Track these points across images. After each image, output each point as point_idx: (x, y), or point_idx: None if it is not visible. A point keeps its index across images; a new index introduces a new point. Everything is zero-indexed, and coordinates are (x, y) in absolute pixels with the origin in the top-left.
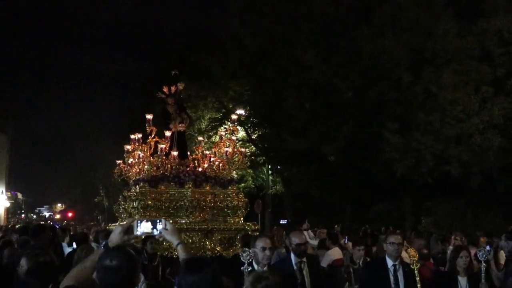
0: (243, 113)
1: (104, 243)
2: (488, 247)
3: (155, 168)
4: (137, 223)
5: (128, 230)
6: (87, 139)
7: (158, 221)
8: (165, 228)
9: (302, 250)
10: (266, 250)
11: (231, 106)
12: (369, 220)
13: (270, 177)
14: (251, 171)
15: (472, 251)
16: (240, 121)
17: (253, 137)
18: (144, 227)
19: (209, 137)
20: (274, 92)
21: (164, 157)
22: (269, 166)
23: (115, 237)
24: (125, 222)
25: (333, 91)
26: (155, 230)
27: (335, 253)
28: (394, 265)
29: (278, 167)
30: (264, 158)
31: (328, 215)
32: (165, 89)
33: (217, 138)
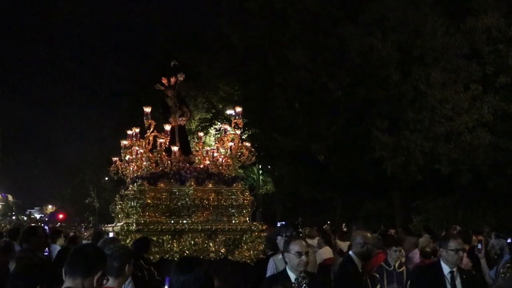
0: (233, 113)
1: None
2: (479, 245)
3: (154, 164)
4: None
5: None
6: (76, 140)
7: None
8: None
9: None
10: (303, 256)
11: (221, 106)
12: (360, 218)
13: (261, 177)
14: (242, 171)
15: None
16: (230, 122)
17: (243, 137)
18: None
19: (200, 138)
20: (262, 92)
21: (164, 153)
22: (260, 166)
23: None
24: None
25: (322, 90)
26: None
27: (326, 252)
28: (451, 272)
29: (269, 166)
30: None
31: (319, 214)
32: (164, 81)
33: (208, 138)
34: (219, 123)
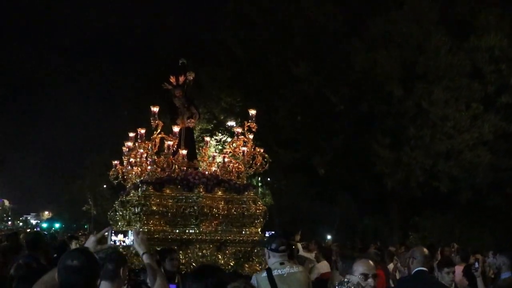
0: (234, 125)
1: None
2: (476, 264)
3: (159, 169)
4: (111, 232)
5: (102, 239)
6: (75, 147)
7: (130, 231)
8: (136, 235)
9: None
10: (369, 279)
11: (222, 118)
12: (358, 233)
13: (260, 189)
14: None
15: (461, 267)
16: (231, 133)
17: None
18: (117, 237)
19: (199, 149)
20: (264, 103)
21: (172, 157)
22: (259, 178)
23: (89, 246)
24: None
25: (324, 104)
26: (127, 239)
27: (323, 266)
28: None
29: (268, 179)
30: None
31: (317, 228)
32: (172, 79)
33: (208, 150)
34: (220, 134)
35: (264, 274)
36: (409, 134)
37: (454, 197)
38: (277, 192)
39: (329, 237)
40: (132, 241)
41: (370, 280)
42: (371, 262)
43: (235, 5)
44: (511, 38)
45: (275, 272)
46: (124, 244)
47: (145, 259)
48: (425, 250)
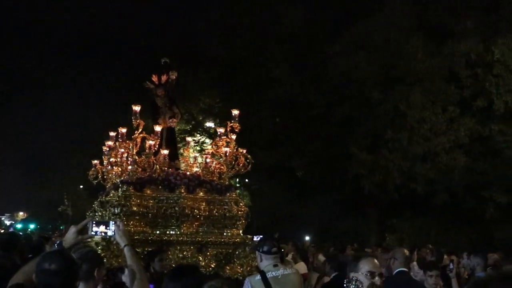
0: (213, 126)
1: (58, 242)
2: (451, 265)
3: (140, 169)
4: (92, 223)
5: (83, 230)
6: (51, 147)
7: (112, 222)
8: (118, 228)
9: None
10: (376, 277)
11: (201, 118)
12: (337, 235)
13: (238, 191)
14: None
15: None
16: (209, 134)
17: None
18: (98, 228)
19: (178, 148)
20: (244, 105)
21: (153, 157)
22: (237, 179)
23: (69, 237)
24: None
25: (304, 106)
26: (109, 231)
27: (300, 268)
28: None
29: (246, 180)
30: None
31: (295, 229)
32: (155, 78)
33: (189, 154)
34: (198, 135)
35: (258, 277)
36: (387, 137)
37: (431, 200)
38: (255, 194)
39: (307, 238)
40: (114, 232)
41: (377, 279)
42: (376, 261)
43: (217, 7)
44: (487, 43)
45: (269, 275)
46: (106, 235)
47: (126, 251)
48: (406, 251)
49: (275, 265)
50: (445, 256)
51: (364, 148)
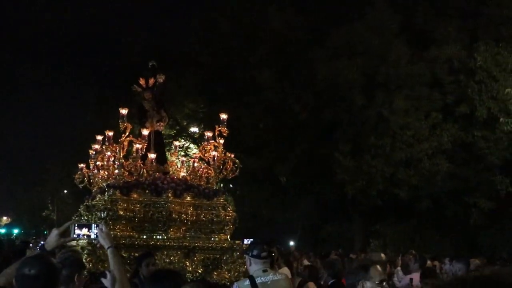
0: (197, 131)
1: (40, 245)
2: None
3: (127, 173)
4: (74, 226)
5: (65, 233)
6: (36, 151)
7: (94, 225)
8: (101, 230)
9: None
10: (385, 284)
11: (185, 123)
12: (321, 240)
13: (224, 196)
14: None
15: (419, 273)
16: (194, 139)
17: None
18: (80, 230)
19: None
20: (228, 110)
21: (140, 160)
22: (222, 185)
23: (51, 240)
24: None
25: (287, 112)
26: (91, 233)
27: (284, 272)
28: None
29: (231, 185)
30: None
31: (280, 235)
32: (142, 82)
33: (177, 158)
34: (182, 140)
35: (247, 282)
36: (370, 143)
37: (414, 205)
38: (239, 199)
39: (291, 243)
40: (96, 234)
41: (385, 284)
42: (381, 268)
43: (202, 12)
44: (470, 49)
45: (258, 280)
46: (89, 238)
47: (110, 253)
48: (383, 255)
49: (264, 270)
50: (429, 262)
51: (347, 154)
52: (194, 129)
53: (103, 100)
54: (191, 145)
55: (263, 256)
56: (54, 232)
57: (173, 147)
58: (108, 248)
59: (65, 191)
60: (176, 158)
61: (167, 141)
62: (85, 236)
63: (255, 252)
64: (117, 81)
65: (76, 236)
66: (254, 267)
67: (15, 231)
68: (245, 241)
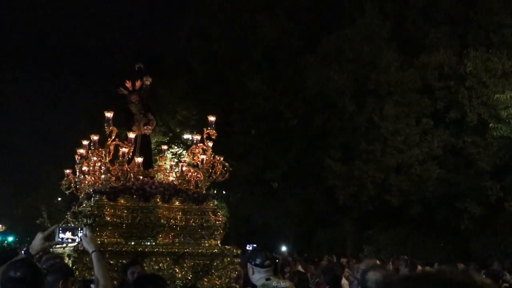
0: (190, 137)
1: (25, 249)
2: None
3: (113, 178)
4: (58, 230)
5: (49, 237)
6: (29, 158)
7: (79, 228)
8: (85, 235)
9: None
10: None
11: (178, 130)
12: (313, 246)
13: (216, 202)
14: None
15: None
16: (187, 146)
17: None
18: (64, 234)
19: (155, 160)
20: (220, 117)
21: (127, 165)
22: (215, 191)
23: (36, 244)
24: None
25: (278, 118)
26: (76, 237)
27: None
28: None
29: (223, 191)
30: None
31: (271, 241)
32: (128, 84)
33: (165, 163)
34: (176, 147)
35: None
36: (361, 148)
37: (406, 211)
38: (232, 205)
39: (284, 249)
40: (81, 239)
41: None
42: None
43: (193, 19)
44: (460, 55)
45: None
46: (73, 242)
47: (94, 257)
48: (377, 261)
49: (267, 279)
50: (419, 267)
51: (338, 160)
52: (187, 136)
53: (94, 106)
54: (184, 152)
55: (266, 264)
56: (39, 236)
57: (162, 152)
58: (93, 252)
59: (59, 199)
60: (164, 163)
61: (159, 148)
62: (69, 240)
63: (258, 261)
64: (108, 88)
65: (60, 240)
66: (257, 275)
67: (10, 238)
68: (248, 247)
